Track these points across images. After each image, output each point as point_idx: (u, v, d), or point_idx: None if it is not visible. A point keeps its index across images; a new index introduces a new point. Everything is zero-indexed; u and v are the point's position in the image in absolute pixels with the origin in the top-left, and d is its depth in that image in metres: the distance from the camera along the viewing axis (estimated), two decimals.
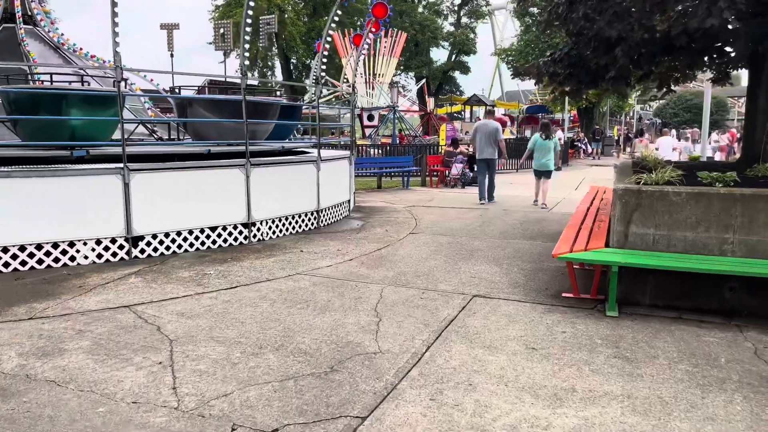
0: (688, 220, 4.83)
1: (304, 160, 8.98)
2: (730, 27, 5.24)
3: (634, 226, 5.00)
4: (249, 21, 7.54)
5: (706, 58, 6.98)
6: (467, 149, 16.59)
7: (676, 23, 5.44)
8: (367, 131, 29.13)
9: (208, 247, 7.35)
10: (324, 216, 9.21)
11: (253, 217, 7.78)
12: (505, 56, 36.02)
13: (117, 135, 7.46)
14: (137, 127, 10.18)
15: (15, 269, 6.12)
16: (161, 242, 6.94)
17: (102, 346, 4.10)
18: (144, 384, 3.48)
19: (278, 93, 17.85)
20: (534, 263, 6.63)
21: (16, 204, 6.09)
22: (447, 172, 16.42)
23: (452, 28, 54.74)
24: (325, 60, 10.61)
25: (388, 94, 31.60)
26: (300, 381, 3.54)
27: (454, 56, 54.50)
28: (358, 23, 37.04)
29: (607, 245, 5.27)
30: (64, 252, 6.36)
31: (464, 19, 55.86)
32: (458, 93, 54.63)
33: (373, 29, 11.15)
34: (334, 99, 28.54)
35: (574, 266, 5.42)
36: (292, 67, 49.14)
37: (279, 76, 49.01)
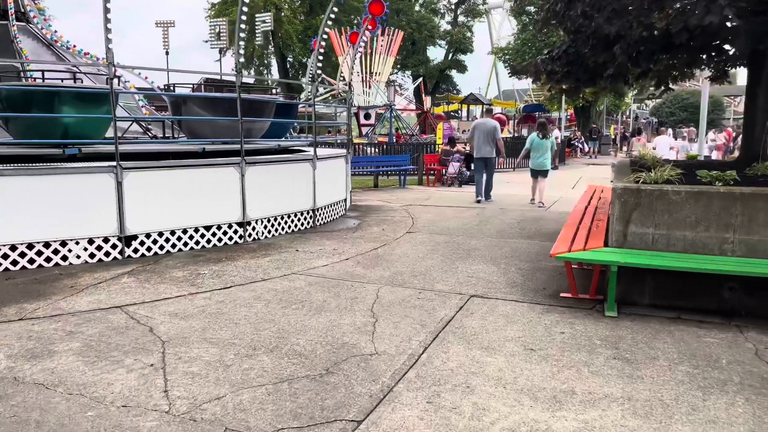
0: (687, 219, 4.78)
1: (300, 159, 8.90)
2: (729, 25, 5.18)
3: (634, 225, 4.94)
4: (244, 18, 7.46)
5: (704, 56, 6.93)
6: (464, 148, 16.54)
7: (675, 20, 5.38)
8: (364, 130, 29.04)
9: (203, 246, 7.27)
10: (320, 215, 9.14)
11: (249, 216, 7.70)
12: (502, 55, 35.99)
13: (110, 133, 7.37)
14: (131, 125, 10.06)
15: (6, 269, 6.03)
16: (155, 241, 6.86)
17: (92, 347, 4.02)
18: (134, 387, 3.41)
19: (274, 91, 17.76)
20: (532, 263, 6.57)
21: (6, 203, 6.00)
22: (444, 170, 16.36)
23: (449, 27, 54.68)
24: (321, 57, 10.53)
25: (384, 93, 31.52)
26: (294, 383, 3.47)
27: (450, 55, 54.44)
28: (355, 21, 36.92)
29: (605, 245, 5.21)
30: (56, 251, 6.27)
31: (461, 18, 55.80)
32: (455, 92, 54.55)
33: (370, 27, 11.06)
34: (330, 98, 28.46)
35: (573, 266, 5.36)
36: (288, 66, 48.99)
37: (275, 74, 48.88)
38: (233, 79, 7.73)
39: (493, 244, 7.58)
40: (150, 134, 10.90)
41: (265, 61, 49.59)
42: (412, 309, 4.91)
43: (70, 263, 6.34)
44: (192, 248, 7.16)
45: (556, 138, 19.68)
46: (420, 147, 19.26)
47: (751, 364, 3.75)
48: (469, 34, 54.47)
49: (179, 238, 7.05)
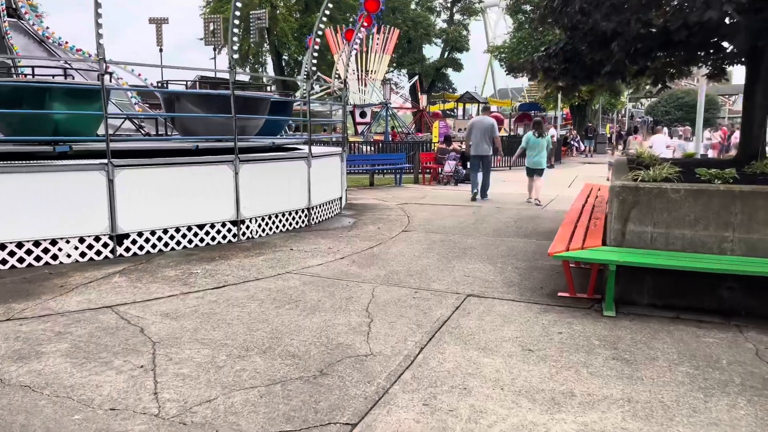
0: (686, 217, 4.72)
1: (295, 157, 8.81)
2: (728, 21, 5.12)
3: (632, 223, 4.88)
4: (238, 14, 7.36)
5: (702, 54, 6.88)
6: (460, 146, 16.47)
7: (674, 17, 5.33)
8: (360, 128, 28.93)
9: (196, 245, 7.17)
10: (315, 213, 9.06)
11: (242, 214, 7.61)
12: (498, 54, 35.93)
13: (102, 130, 7.26)
14: (124, 122, 9.96)
15: None
16: (147, 240, 6.76)
17: (81, 348, 3.93)
18: (123, 389, 3.32)
19: (270, 89, 17.65)
20: (528, 261, 6.51)
21: None
22: (440, 169, 16.30)
23: (445, 25, 54.62)
24: (315, 54, 10.44)
25: (380, 91, 31.42)
26: (288, 385, 3.39)
27: (446, 53, 54.40)
28: (351, 19, 36.85)
29: (603, 243, 5.15)
30: (46, 250, 6.17)
31: (457, 16, 55.76)
32: (451, 90, 54.50)
33: (365, 23, 10.98)
34: (326, 96, 28.36)
35: (570, 265, 5.30)
36: (284, 64, 48.81)
37: (271, 72, 48.67)
38: (228, 76, 7.63)
39: (490, 243, 7.52)
40: (143, 132, 10.79)
41: (261, 59, 49.43)
42: (407, 309, 4.84)
43: (61, 262, 6.24)
44: (185, 247, 7.07)
45: (552, 137, 19.65)
46: (416, 145, 19.19)
47: (752, 364, 3.70)
48: (465, 33, 54.45)
49: (172, 237, 6.95)
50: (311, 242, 7.57)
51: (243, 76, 39.93)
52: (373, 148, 19.59)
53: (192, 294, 5.23)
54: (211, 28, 18.79)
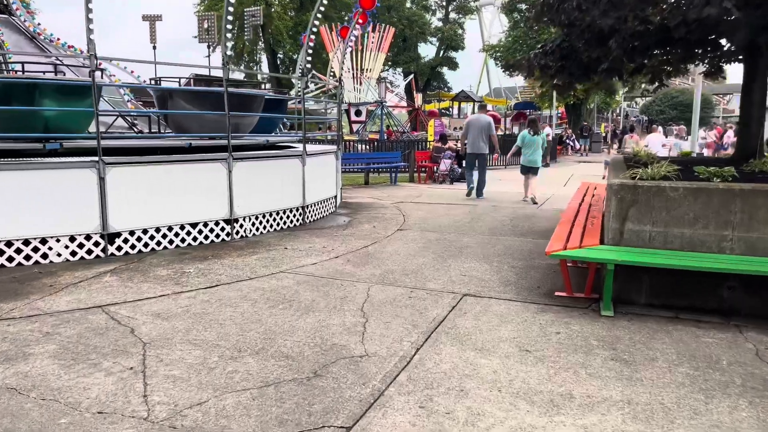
0: (685, 216, 4.67)
1: (290, 155, 8.72)
2: (727, 17, 5.07)
3: (630, 222, 4.82)
4: (231, 9, 7.26)
5: (700, 51, 6.83)
6: (455, 145, 16.42)
7: (673, 14, 5.28)
8: (355, 127, 28.84)
9: (189, 244, 7.08)
10: (309, 212, 8.97)
11: (236, 213, 7.52)
12: (493, 52, 35.92)
13: (94, 128, 7.16)
14: (116, 119, 9.85)
15: None
16: (139, 239, 6.66)
17: (69, 350, 3.84)
18: (112, 392, 3.24)
19: (266, 87, 17.54)
20: (525, 260, 6.45)
21: None
22: (435, 167, 16.24)
23: (440, 24, 54.52)
24: (310, 51, 10.34)
25: (375, 90, 31.33)
26: (281, 387, 3.31)
27: (442, 52, 54.28)
28: (346, 18, 36.68)
29: (601, 242, 5.10)
30: (35, 249, 6.07)
31: (452, 15, 55.65)
32: (446, 89, 54.42)
33: (360, 20, 10.89)
34: (321, 94, 28.25)
35: (567, 264, 5.23)
36: (279, 62, 48.60)
37: (266, 71, 48.46)
38: (222, 73, 7.54)
39: (486, 242, 7.46)
40: (136, 129, 10.68)
41: (256, 58, 49.20)
42: (403, 308, 4.77)
43: (51, 261, 6.14)
44: (177, 246, 6.97)
45: (548, 135, 19.62)
46: (411, 144, 19.12)
47: (753, 365, 3.64)
48: (460, 31, 54.33)
49: (164, 236, 6.86)
50: (306, 241, 7.49)
51: (237, 74, 39.77)
52: (368, 147, 19.51)
53: (184, 294, 5.14)
54: (206, 25, 18.66)
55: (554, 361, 3.72)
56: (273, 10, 42.37)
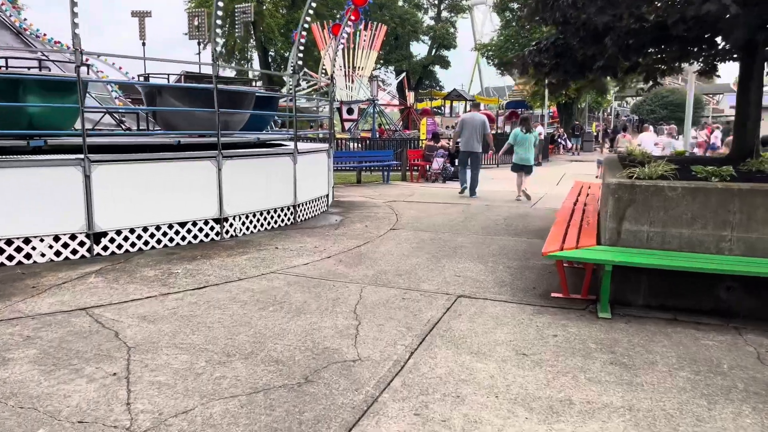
0: (683, 216, 4.59)
1: (281, 153, 8.58)
2: (726, 15, 4.99)
3: (628, 222, 4.74)
4: (221, 4, 7.11)
5: (695, 49, 6.77)
6: (448, 143, 16.33)
7: (671, 11, 5.20)
8: (347, 125, 28.69)
9: (177, 243, 6.93)
10: (301, 211, 8.84)
11: (226, 212, 7.38)
12: (485, 51, 35.87)
13: (79, 124, 6.98)
14: (103, 116, 9.66)
15: None
16: (126, 238, 6.51)
17: (51, 354, 3.70)
18: (94, 399, 3.10)
19: (255, 83, 17.36)
20: (520, 261, 6.36)
21: None
22: (428, 166, 16.14)
23: (432, 23, 54.44)
24: (302, 48, 10.20)
25: (367, 88, 31.19)
26: (270, 394, 3.19)
27: (434, 50, 54.22)
28: (338, 16, 36.50)
29: (598, 243, 5.01)
30: (18, 249, 5.90)
31: (444, 14, 55.60)
32: (438, 88, 54.37)
33: (353, 18, 10.77)
34: (313, 92, 28.07)
35: (563, 264, 5.15)
36: (270, 60, 48.31)
37: (257, 68, 48.15)
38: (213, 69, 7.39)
39: (480, 242, 7.36)
40: (124, 126, 10.49)
41: (247, 55, 48.88)
42: (397, 310, 4.66)
43: (35, 261, 5.97)
44: (165, 246, 6.82)
45: (540, 134, 19.59)
46: (404, 142, 19.01)
47: (754, 369, 3.57)
48: (452, 30, 54.29)
49: (152, 235, 6.70)
50: (297, 241, 7.36)
51: (228, 71, 39.47)
52: (360, 145, 19.38)
53: (171, 295, 5.00)
54: (196, 22, 18.44)
55: (552, 365, 3.62)
56: (264, 7, 42.10)
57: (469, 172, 12.08)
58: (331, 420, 2.92)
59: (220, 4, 7.11)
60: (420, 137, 21.68)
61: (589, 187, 9.21)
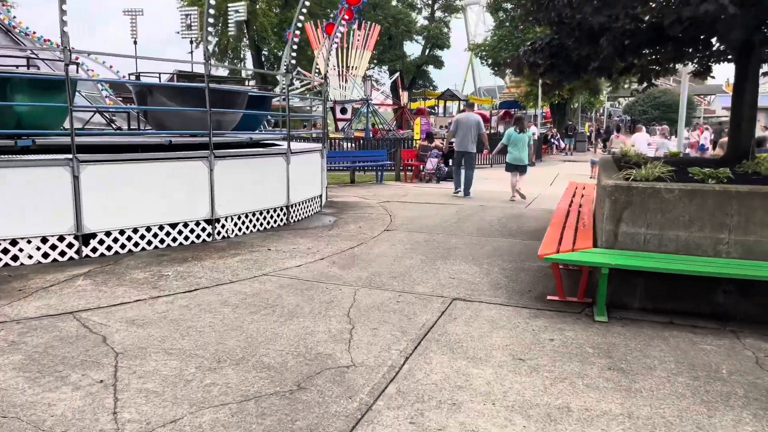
0: (681, 218, 4.55)
1: (273, 153, 8.49)
2: (723, 16, 4.95)
3: (625, 224, 4.69)
4: (213, 2, 7.01)
5: (690, 50, 6.74)
6: (441, 143, 16.27)
7: (667, 11, 5.15)
8: (340, 124, 28.60)
9: (168, 245, 6.83)
10: (294, 212, 8.75)
11: (217, 213, 7.28)
12: (478, 51, 35.89)
13: (68, 124, 6.87)
14: (93, 115, 9.53)
15: None
16: (115, 240, 6.40)
17: (36, 360, 3.60)
18: (79, 408, 3.01)
19: (248, 83, 17.24)
20: (515, 262, 6.30)
21: None
22: (422, 166, 16.08)
23: (426, 22, 54.42)
24: (295, 48, 10.11)
25: (361, 87, 31.11)
26: (262, 402, 3.11)
27: (427, 50, 54.20)
28: (331, 15, 36.38)
29: (594, 245, 4.96)
30: (5, 251, 5.78)
31: (438, 14, 55.59)
32: (432, 87, 54.37)
33: (346, 17, 10.69)
34: (306, 91, 27.95)
35: (559, 266, 5.09)
36: (263, 59, 48.13)
37: (250, 67, 47.93)
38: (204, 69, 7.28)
39: (475, 243, 7.30)
40: (114, 126, 10.36)
41: (240, 55, 48.67)
42: (391, 314, 4.59)
43: (22, 264, 5.86)
44: (156, 247, 6.72)
45: (534, 134, 19.57)
46: (397, 142, 18.95)
47: (753, 374, 3.52)
48: (446, 30, 54.30)
49: (142, 237, 6.60)
50: (290, 242, 7.28)
51: (221, 70, 39.25)
52: (353, 145, 19.31)
53: (161, 298, 4.91)
54: (188, 21, 18.30)
55: (549, 370, 3.56)
56: (257, 6, 41.92)
57: (463, 172, 12.03)
58: (325, 429, 2.84)
59: (212, 2, 7.02)
60: (414, 137, 21.62)
61: (584, 188, 9.17)
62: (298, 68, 27.02)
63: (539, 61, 7.37)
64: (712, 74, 7.60)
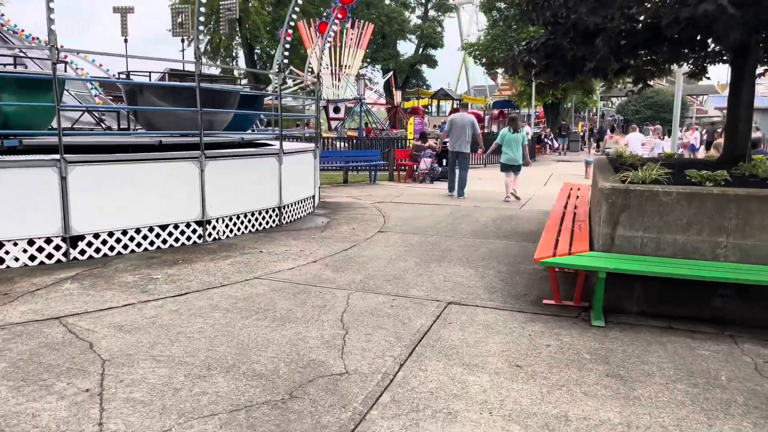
0: (678, 222, 4.49)
1: (265, 153, 8.39)
2: (722, 16, 4.90)
3: (622, 228, 4.63)
4: (204, 1, 6.90)
5: (686, 51, 6.70)
6: (435, 143, 16.21)
7: (664, 12, 5.10)
8: (333, 124, 28.48)
9: (158, 247, 6.72)
10: (286, 213, 8.66)
11: (208, 214, 7.17)
12: (472, 51, 35.84)
13: (56, 123, 6.74)
14: (82, 115, 9.39)
15: None
16: (104, 242, 6.29)
17: (20, 368, 3.50)
18: (64, 419, 2.92)
19: (240, 82, 17.11)
20: (510, 265, 6.24)
21: None
22: (415, 166, 16.01)
23: (419, 21, 54.36)
24: (288, 47, 10.02)
25: (354, 86, 30.99)
26: (253, 412, 3.03)
27: (421, 49, 54.14)
28: (324, 13, 36.24)
29: (591, 248, 4.90)
30: None
31: (431, 13, 55.53)
32: (425, 87, 54.30)
33: (339, 16, 10.60)
34: (299, 90, 27.81)
35: (555, 270, 5.03)
36: (256, 58, 47.90)
37: (242, 66, 47.68)
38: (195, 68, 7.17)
39: (469, 245, 7.24)
40: (103, 125, 10.22)
41: (233, 53, 48.42)
42: (385, 318, 4.51)
43: (8, 266, 5.74)
44: (146, 249, 6.61)
45: (528, 134, 19.54)
46: (391, 142, 18.86)
47: (753, 381, 3.47)
48: (439, 29, 54.26)
49: (131, 239, 6.49)
50: (282, 244, 7.18)
51: (213, 69, 39.00)
52: (347, 144, 19.21)
53: (150, 303, 4.81)
54: (179, 19, 18.13)
55: (546, 377, 3.50)
56: (250, 4, 41.71)
57: (457, 172, 11.98)
58: None
59: (203, 0, 6.90)
60: (407, 136, 21.55)
61: (578, 189, 9.13)
62: (291, 67, 26.87)
63: (534, 61, 7.32)
64: (707, 75, 7.57)
